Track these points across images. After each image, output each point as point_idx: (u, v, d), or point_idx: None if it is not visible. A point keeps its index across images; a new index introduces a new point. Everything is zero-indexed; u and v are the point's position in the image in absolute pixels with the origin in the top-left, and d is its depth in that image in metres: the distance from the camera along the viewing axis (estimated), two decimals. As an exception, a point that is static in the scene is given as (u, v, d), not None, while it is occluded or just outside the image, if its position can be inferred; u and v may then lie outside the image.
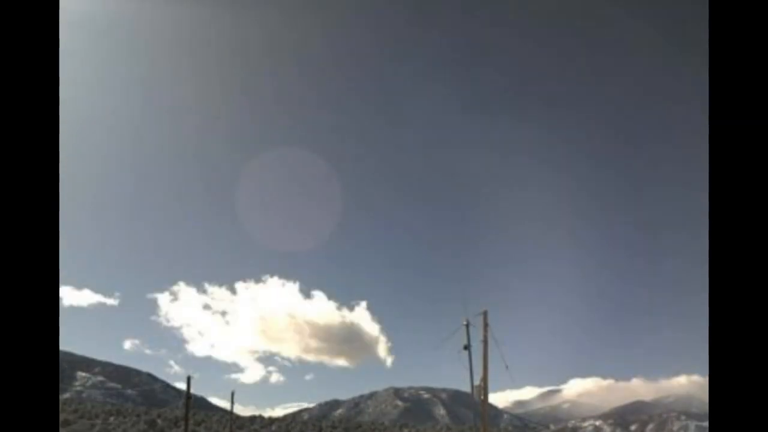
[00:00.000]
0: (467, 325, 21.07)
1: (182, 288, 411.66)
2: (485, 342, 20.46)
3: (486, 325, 20.61)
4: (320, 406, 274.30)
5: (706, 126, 5.15)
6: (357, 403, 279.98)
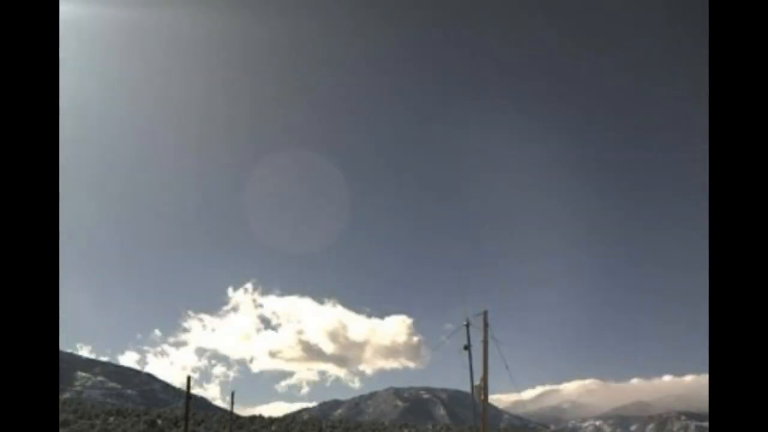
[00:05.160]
0: (467, 325, 21.08)
1: (189, 293, 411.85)
2: (485, 342, 20.46)
3: (486, 325, 20.62)
4: (320, 406, 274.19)
5: (706, 126, 5.15)
6: (357, 403, 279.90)
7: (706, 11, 5.26)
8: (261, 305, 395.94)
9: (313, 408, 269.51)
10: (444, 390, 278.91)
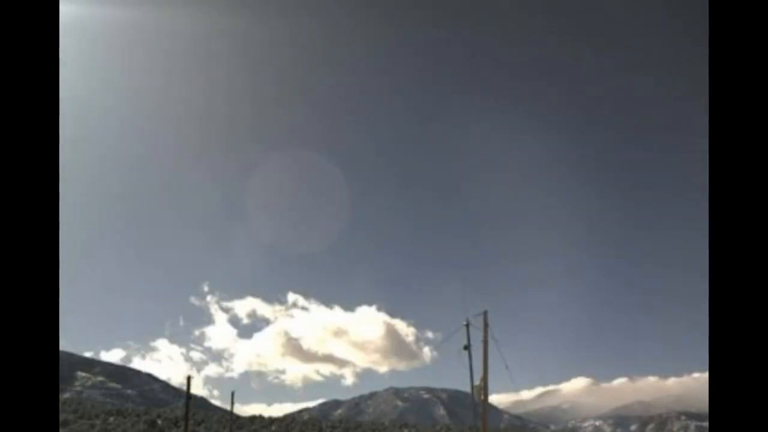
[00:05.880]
0: (467, 326, 21.07)
1: (189, 293, 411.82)
2: (485, 342, 20.45)
3: (486, 325, 20.61)
4: (320, 406, 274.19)
5: (706, 126, 5.15)
6: (357, 403, 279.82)
7: (706, 11, 5.26)
8: (262, 305, 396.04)
9: (313, 408, 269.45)
10: (444, 390, 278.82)
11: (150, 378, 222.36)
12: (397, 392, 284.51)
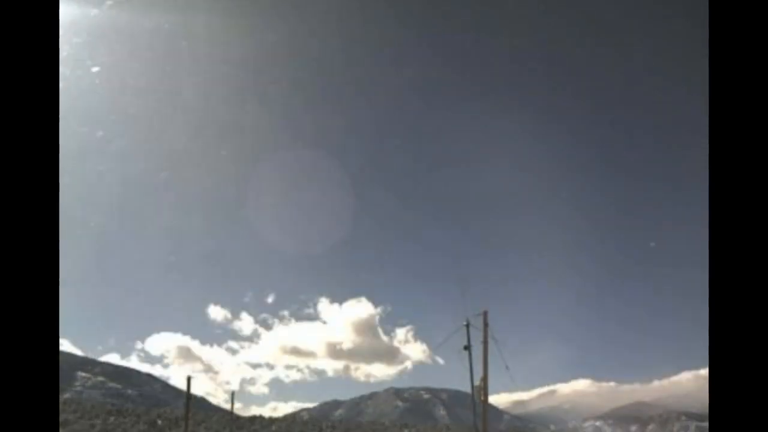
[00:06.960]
0: (467, 326, 21.10)
1: (190, 293, 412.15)
2: (485, 342, 20.47)
3: (486, 325, 20.62)
4: (320, 406, 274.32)
5: (706, 126, 5.15)
6: (357, 403, 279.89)
7: (706, 11, 5.26)
8: (262, 305, 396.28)
9: (313, 408, 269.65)
10: (444, 390, 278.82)
11: (150, 378, 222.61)
12: (397, 392, 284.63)
